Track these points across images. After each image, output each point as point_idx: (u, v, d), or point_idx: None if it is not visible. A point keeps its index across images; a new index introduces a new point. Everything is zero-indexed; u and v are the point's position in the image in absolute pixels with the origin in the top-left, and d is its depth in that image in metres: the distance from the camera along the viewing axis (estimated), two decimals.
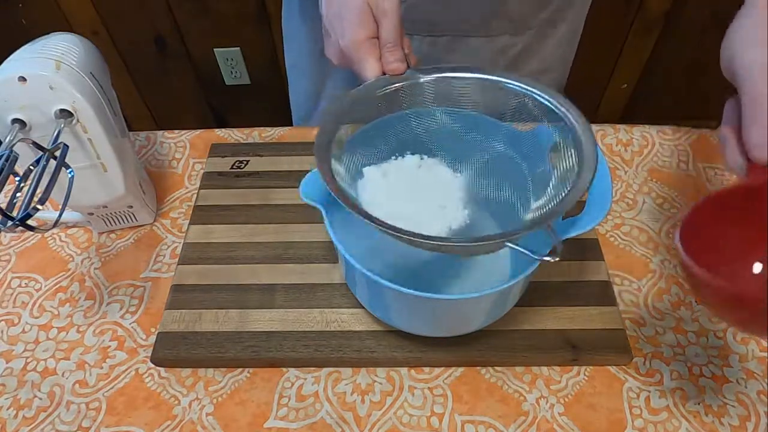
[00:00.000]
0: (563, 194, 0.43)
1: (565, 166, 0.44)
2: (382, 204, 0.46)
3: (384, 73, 0.47)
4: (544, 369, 0.53)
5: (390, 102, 0.48)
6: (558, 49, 0.73)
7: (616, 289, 0.58)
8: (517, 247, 0.40)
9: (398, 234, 0.40)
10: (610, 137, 0.72)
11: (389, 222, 0.40)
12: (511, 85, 0.47)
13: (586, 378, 0.53)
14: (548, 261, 0.39)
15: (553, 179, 0.45)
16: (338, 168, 0.45)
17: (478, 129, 0.50)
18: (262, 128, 0.74)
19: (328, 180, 0.42)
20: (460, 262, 0.56)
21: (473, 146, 0.50)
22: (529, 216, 0.46)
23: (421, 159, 0.50)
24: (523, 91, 0.47)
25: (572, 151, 0.44)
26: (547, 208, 0.44)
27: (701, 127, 0.73)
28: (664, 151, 0.70)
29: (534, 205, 0.47)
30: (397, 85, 0.48)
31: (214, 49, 1.54)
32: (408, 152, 0.50)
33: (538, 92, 0.47)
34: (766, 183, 0.39)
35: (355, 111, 0.47)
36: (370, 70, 0.46)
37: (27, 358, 0.55)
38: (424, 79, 0.48)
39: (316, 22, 0.70)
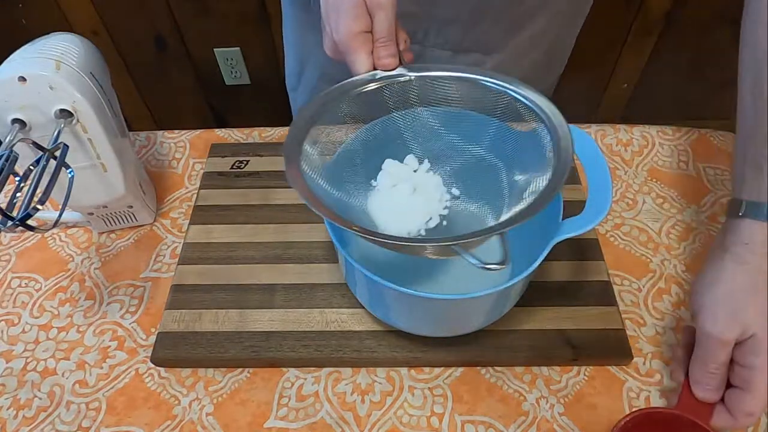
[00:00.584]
0: (527, 203, 0.42)
1: (539, 174, 0.43)
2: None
3: (375, 68, 0.46)
4: (544, 369, 0.53)
5: (369, 101, 0.47)
6: (535, 70, 0.71)
7: (616, 289, 0.58)
8: (465, 255, 0.39)
9: (362, 235, 0.40)
10: (610, 137, 0.72)
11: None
12: (494, 85, 0.46)
13: (586, 378, 0.53)
14: (494, 269, 0.38)
15: (530, 186, 0.44)
16: (316, 168, 0.45)
17: (465, 128, 0.49)
18: (262, 128, 0.74)
19: (299, 184, 0.42)
20: (459, 262, 0.56)
21: (459, 146, 0.50)
22: (491, 222, 0.46)
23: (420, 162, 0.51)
24: (508, 91, 0.46)
25: (550, 158, 0.43)
26: (511, 214, 0.44)
27: (701, 127, 0.73)
28: (664, 151, 0.70)
29: (505, 210, 0.46)
30: (373, 85, 0.47)
31: (214, 49, 1.54)
32: (401, 156, 0.50)
33: (522, 93, 0.45)
34: (686, 414, 0.45)
35: (330, 110, 0.47)
36: (361, 64, 0.45)
37: (27, 358, 0.55)
38: (409, 77, 0.47)
39: (301, 11, 0.70)
